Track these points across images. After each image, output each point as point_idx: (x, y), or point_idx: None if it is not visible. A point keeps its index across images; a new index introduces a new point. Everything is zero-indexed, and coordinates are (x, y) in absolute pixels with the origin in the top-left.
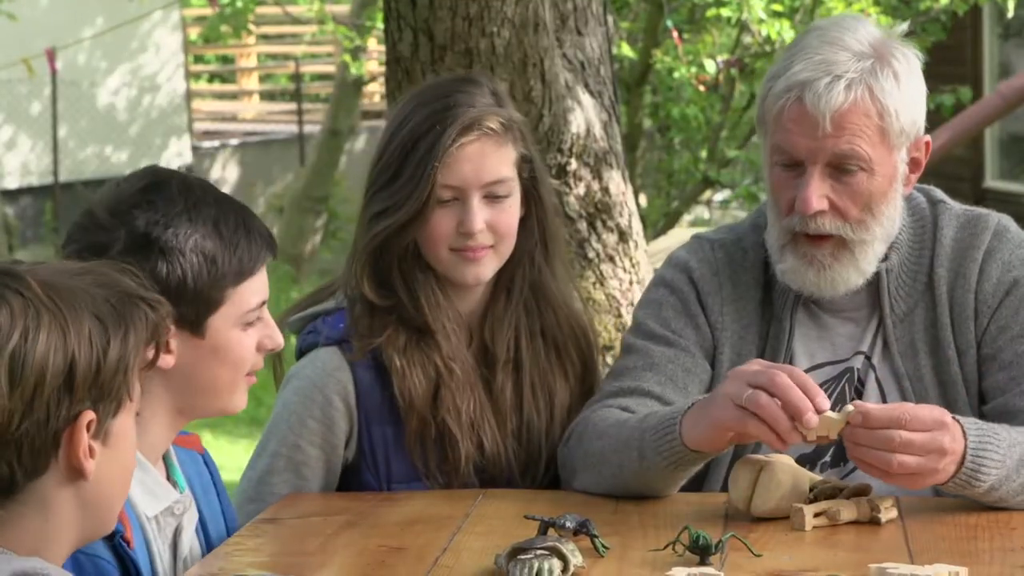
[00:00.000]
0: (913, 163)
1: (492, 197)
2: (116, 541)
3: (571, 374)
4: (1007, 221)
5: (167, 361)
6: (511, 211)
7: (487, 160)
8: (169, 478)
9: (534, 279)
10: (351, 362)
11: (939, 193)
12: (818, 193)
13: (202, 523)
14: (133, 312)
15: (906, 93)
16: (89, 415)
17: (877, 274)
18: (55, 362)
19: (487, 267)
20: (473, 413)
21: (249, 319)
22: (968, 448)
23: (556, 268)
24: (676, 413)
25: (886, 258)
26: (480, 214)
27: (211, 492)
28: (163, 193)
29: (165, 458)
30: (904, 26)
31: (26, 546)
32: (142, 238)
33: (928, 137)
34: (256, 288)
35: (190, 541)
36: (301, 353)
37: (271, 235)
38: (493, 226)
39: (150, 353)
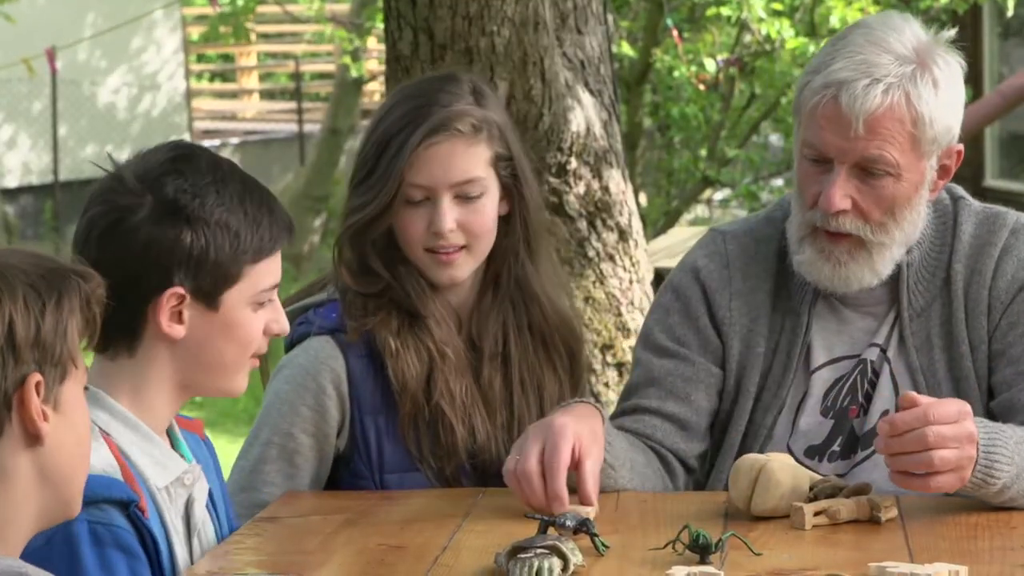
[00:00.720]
0: (943, 170)
1: (464, 197)
2: (131, 511)
3: (559, 368)
4: None
5: (178, 331)
6: (484, 211)
7: (456, 160)
8: (174, 450)
9: (519, 275)
10: (344, 349)
11: (960, 190)
12: (842, 192)
13: (211, 500)
14: (65, 283)
15: (943, 101)
16: (36, 377)
17: (898, 268)
18: None
19: (461, 268)
20: (466, 398)
21: (261, 299)
22: (980, 446)
23: (541, 264)
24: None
25: (908, 252)
26: (450, 214)
27: (213, 475)
28: (192, 164)
29: (169, 432)
30: (952, 32)
31: None
32: (170, 205)
33: (960, 146)
34: (272, 269)
35: (202, 512)
36: (293, 344)
37: (291, 220)
38: (465, 226)
39: (89, 328)
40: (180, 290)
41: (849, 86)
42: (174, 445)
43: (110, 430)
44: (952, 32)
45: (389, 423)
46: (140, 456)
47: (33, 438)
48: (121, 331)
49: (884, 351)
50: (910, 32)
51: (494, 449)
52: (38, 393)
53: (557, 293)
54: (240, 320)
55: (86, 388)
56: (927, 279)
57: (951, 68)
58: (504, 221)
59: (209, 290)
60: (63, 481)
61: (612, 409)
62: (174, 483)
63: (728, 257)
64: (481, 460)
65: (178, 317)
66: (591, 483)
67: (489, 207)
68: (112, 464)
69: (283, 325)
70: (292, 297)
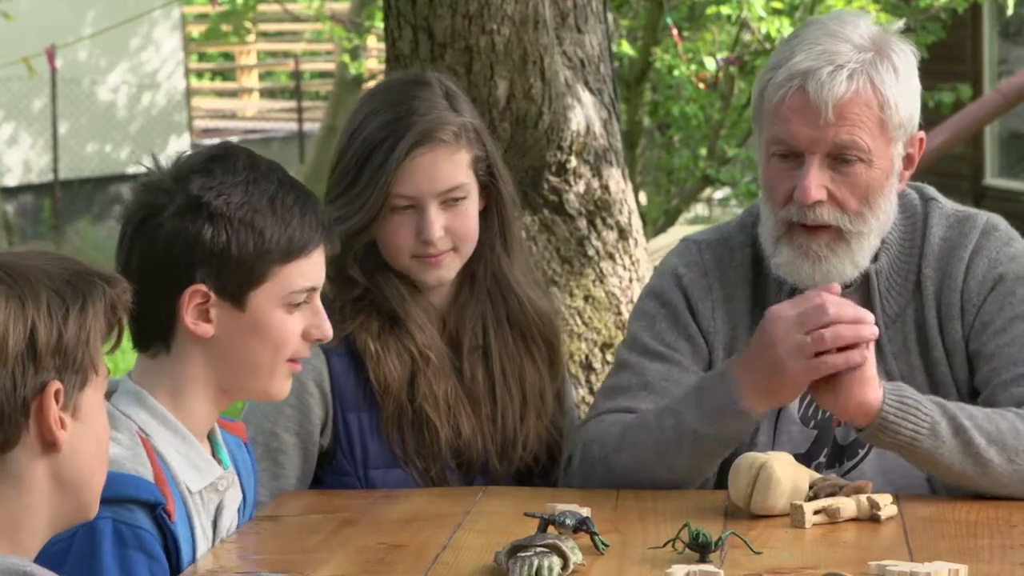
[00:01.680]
0: (908, 159)
1: (449, 202)
2: (158, 513)
3: (539, 358)
4: (996, 220)
5: (205, 330)
6: (469, 213)
7: (441, 169)
8: (214, 455)
9: (495, 268)
10: (325, 347)
11: (931, 191)
12: (817, 182)
13: (245, 507)
14: (89, 287)
15: (905, 87)
16: (55, 385)
17: (867, 275)
18: (16, 330)
19: (449, 269)
20: (450, 398)
21: (293, 300)
22: (886, 398)
23: (516, 256)
24: (717, 389)
25: (876, 259)
26: (438, 221)
27: (251, 479)
28: (226, 163)
29: (211, 436)
30: (900, 23)
31: (3, 521)
32: (194, 200)
33: (923, 134)
34: (306, 272)
35: (231, 519)
36: None
37: (331, 225)
38: (452, 230)
39: (112, 332)
40: (203, 287)
41: (814, 74)
42: (215, 450)
43: (149, 431)
44: (901, 23)
45: (372, 420)
46: (176, 457)
47: (50, 445)
48: (155, 328)
49: None
50: (863, 24)
51: (479, 444)
52: (57, 401)
53: (532, 285)
54: (270, 321)
55: (108, 394)
56: (899, 284)
57: (907, 56)
58: (481, 216)
59: (234, 289)
60: (79, 487)
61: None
62: (208, 488)
63: (705, 267)
64: (467, 458)
65: (205, 316)
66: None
67: (473, 209)
68: (145, 464)
69: (324, 330)
70: None
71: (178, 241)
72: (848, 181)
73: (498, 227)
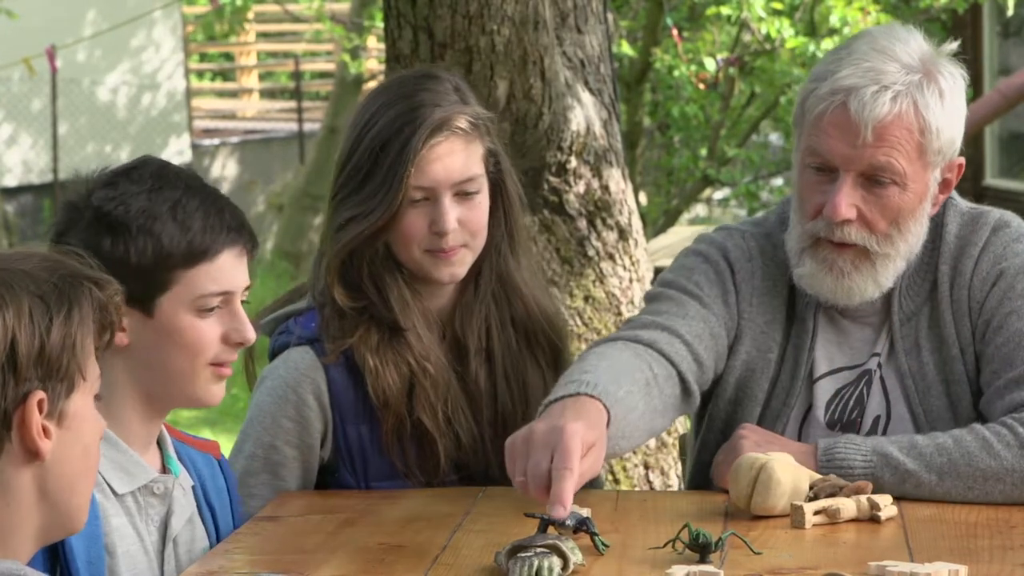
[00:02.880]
0: (944, 184)
1: (463, 195)
2: None
3: (543, 361)
4: (1009, 217)
5: (120, 339)
6: (481, 207)
7: (457, 159)
8: (164, 464)
9: (501, 269)
10: (324, 363)
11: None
12: (848, 201)
13: (215, 523)
14: (77, 291)
15: (949, 112)
16: (39, 395)
17: None
18: None
19: (462, 265)
20: (449, 410)
21: (204, 305)
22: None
23: (521, 258)
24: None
25: None
26: (452, 213)
27: (224, 497)
28: (131, 175)
29: (161, 446)
30: (955, 45)
31: None
32: (96, 213)
33: (962, 160)
34: (214, 276)
35: (181, 526)
36: (274, 354)
37: (243, 225)
38: (465, 223)
39: (105, 334)
40: None
41: (858, 93)
42: (164, 459)
43: None
44: (955, 44)
45: (373, 432)
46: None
47: (33, 455)
48: None
49: (881, 359)
50: (915, 43)
51: (481, 452)
52: (40, 410)
53: (538, 287)
54: (181, 326)
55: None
56: (918, 284)
57: (955, 80)
58: (488, 216)
59: (140, 296)
60: (64, 495)
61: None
62: (142, 491)
63: (751, 253)
64: (468, 469)
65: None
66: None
67: (485, 203)
68: None
69: (245, 334)
70: (273, 305)
71: (85, 254)
72: (880, 203)
73: (505, 227)
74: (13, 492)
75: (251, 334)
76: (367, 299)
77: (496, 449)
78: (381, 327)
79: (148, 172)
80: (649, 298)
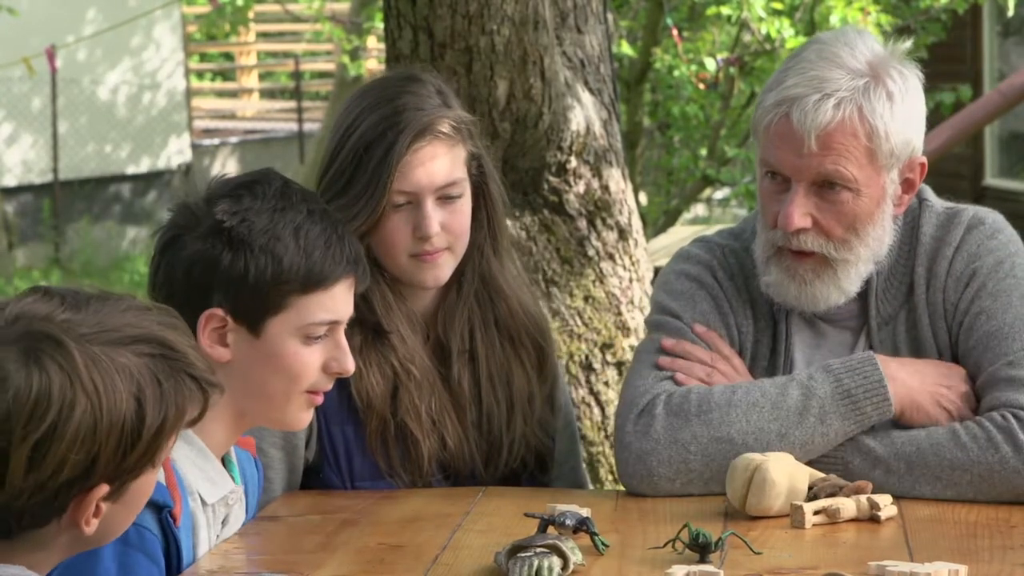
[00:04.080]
0: (906, 184)
1: (445, 199)
2: (163, 515)
3: (527, 362)
4: (983, 214)
5: (221, 354)
6: (464, 211)
7: (440, 164)
8: (225, 470)
9: (484, 271)
10: None
11: (926, 191)
12: (801, 211)
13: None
14: (179, 392)
15: (899, 114)
16: (104, 489)
17: (868, 278)
18: (76, 456)
19: (445, 268)
20: (434, 412)
21: (312, 332)
22: None
23: (504, 259)
24: (875, 388)
25: (877, 261)
26: (435, 217)
27: (256, 492)
28: (256, 190)
29: (224, 454)
30: (908, 43)
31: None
32: (217, 224)
33: (924, 159)
34: (326, 304)
35: (239, 522)
36: None
37: (359, 258)
38: (448, 227)
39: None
40: (219, 312)
41: (800, 102)
42: (227, 467)
43: None
44: (908, 44)
45: (358, 433)
46: (191, 469)
47: (78, 528)
48: None
49: None
50: (863, 46)
51: (465, 452)
52: (103, 497)
53: (522, 288)
54: (285, 351)
55: None
56: (895, 287)
57: (907, 80)
58: (471, 218)
59: (250, 315)
60: (99, 544)
61: (612, 408)
62: (219, 502)
63: (732, 270)
64: (454, 470)
65: (223, 340)
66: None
67: (467, 207)
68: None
69: (345, 365)
70: None
71: (198, 264)
72: (834, 209)
73: (487, 229)
74: (47, 549)
75: (351, 365)
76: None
77: (481, 451)
78: (365, 329)
79: (272, 190)
80: (654, 326)
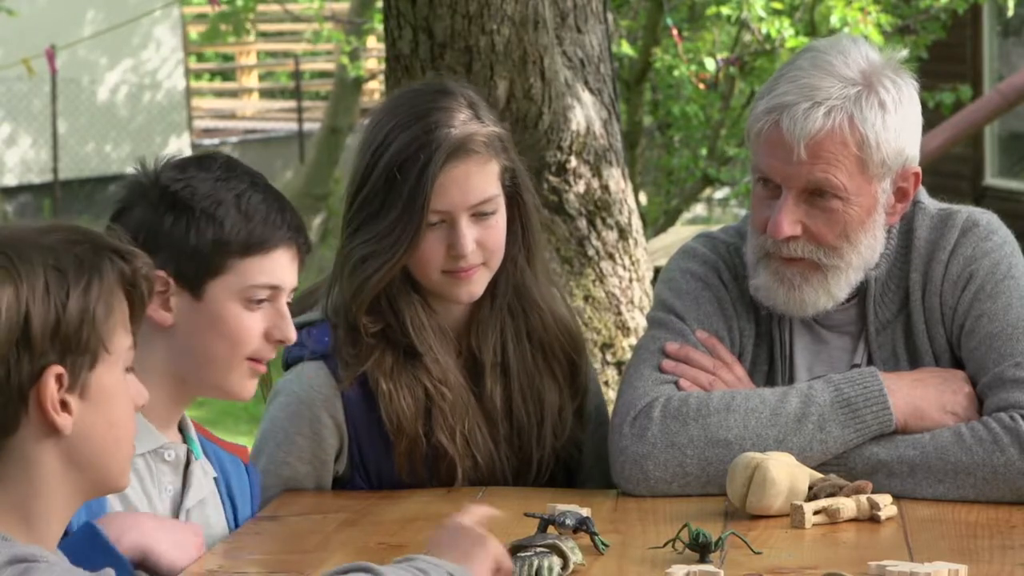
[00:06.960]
0: (899, 193)
1: (480, 215)
2: None
3: (559, 375)
4: (978, 215)
5: (164, 318)
6: (499, 226)
7: (473, 181)
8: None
9: (517, 282)
10: (338, 376)
11: (920, 194)
12: (791, 219)
13: (235, 520)
14: (100, 263)
15: (892, 124)
16: (56, 369)
17: (866, 282)
18: (7, 318)
19: (479, 284)
20: (467, 430)
21: (252, 296)
22: None
23: (538, 270)
24: (876, 394)
25: (876, 266)
26: (469, 235)
27: (247, 497)
28: (202, 163)
29: (184, 433)
30: (904, 52)
31: (14, 503)
32: (163, 190)
33: (918, 169)
34: (266, 268)
35: (194, 503)
36: (287, 365)
37: (301, 228)
38: (482, 243)
39: (137, 307)
40: (163, 274)
41: (790, 110)
42: (188, 444)
43: None
44: (904, 52)
45: (388, 447)
46: None
47: (52, 428)
48: None
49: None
50: (858, 54)
51: (497, 469)
52: (61, 384)
53: (556, 299)
54: (226, 314)
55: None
56: (892, 291)
57: (901, 90)
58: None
59: (192, 278)
60: (94, 466)
61: (611, 408)
62: (152, 456)
63: (736, 270)
64: (484, 487)
65: (166, 304)
66: None
67: (502, 222)
68: None
69: (286, 332)
70: None
71: (144, 229)
72: (825, 216)
73: (522, 240)
74: (35, 465)
75: (292, 333)
76: (384, 321)
77: (511, 466)
78: (396, 350)
79: (218, 163)
80: (656, 324)
